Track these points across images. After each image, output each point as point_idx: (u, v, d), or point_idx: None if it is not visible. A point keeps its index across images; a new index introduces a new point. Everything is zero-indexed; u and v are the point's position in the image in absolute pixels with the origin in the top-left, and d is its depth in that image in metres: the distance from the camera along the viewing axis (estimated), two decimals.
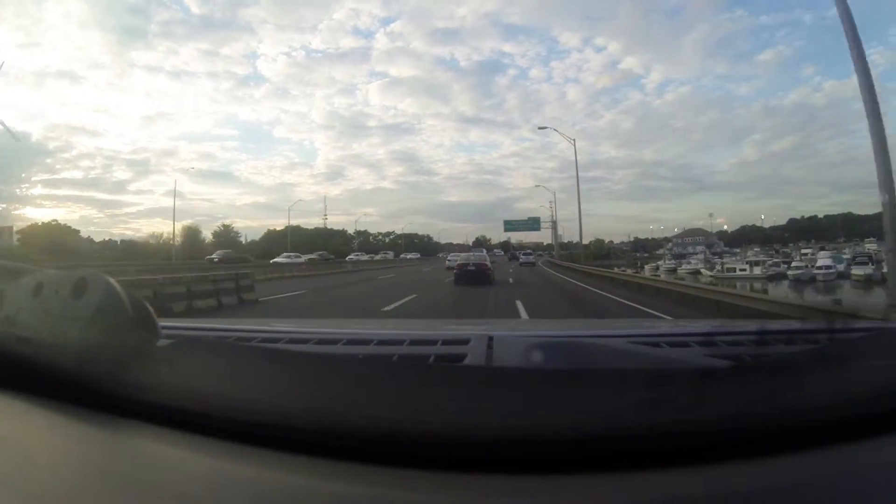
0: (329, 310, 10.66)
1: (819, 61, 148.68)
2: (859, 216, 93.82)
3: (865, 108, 7.64)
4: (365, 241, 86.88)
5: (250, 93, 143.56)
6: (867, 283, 34.84)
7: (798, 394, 0.52)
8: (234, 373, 0.59)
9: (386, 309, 10.00)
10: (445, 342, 1.04)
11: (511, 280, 20.20)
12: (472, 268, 16.93)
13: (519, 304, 10.73)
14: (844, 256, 47.59)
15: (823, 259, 45.44)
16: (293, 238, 59.22)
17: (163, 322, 0.71)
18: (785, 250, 72.58)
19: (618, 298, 12.82)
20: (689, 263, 56.28)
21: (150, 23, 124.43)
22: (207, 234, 68.42)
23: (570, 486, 0.45)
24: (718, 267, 49.52)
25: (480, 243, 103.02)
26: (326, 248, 58.18)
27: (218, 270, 14.52)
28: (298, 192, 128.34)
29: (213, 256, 36.10)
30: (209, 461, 0.50)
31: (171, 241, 47.19)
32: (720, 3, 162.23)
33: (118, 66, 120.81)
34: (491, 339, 0.97)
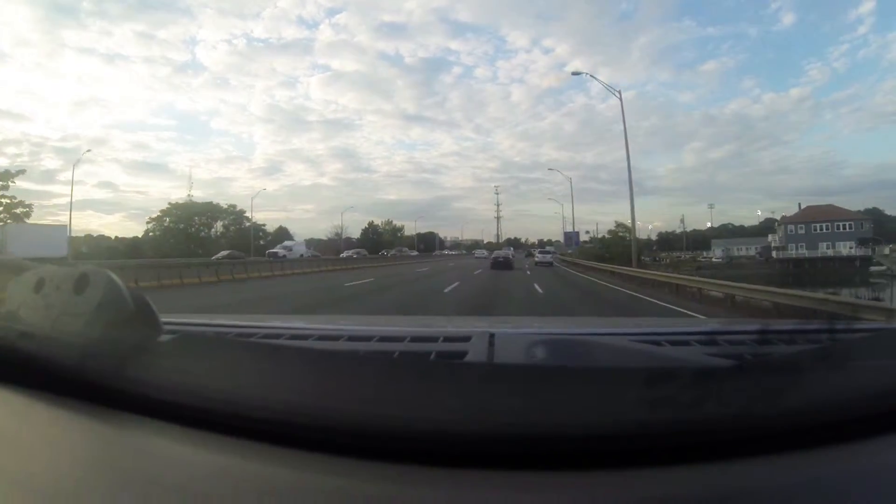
0: None
1: (759, 74, 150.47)
2: (889, 216, 76.21)
3: None
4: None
5: (188, 81, 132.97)
6: None
7: (799, 393, 0.52)
8: (235, 368, 0.59)
9: None
10: (447, 339, 1.04)
11: None
12: (501, 259, 28.84)
13: None
14: None
15: None
16: None
17: (164, 318, 0.71)
18: None
19: None
20: None
21: None
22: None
23: (570, 482, 0.45)
24: None
25: (370, 237, 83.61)
26: None
27: None
28: (235, 186, 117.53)
29: None
30: (211, 456, 0.50)
31: None
32: (670, 12, 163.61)
33: (47, 46, 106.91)
34: (492, 336, 0.97)
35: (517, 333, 1.19)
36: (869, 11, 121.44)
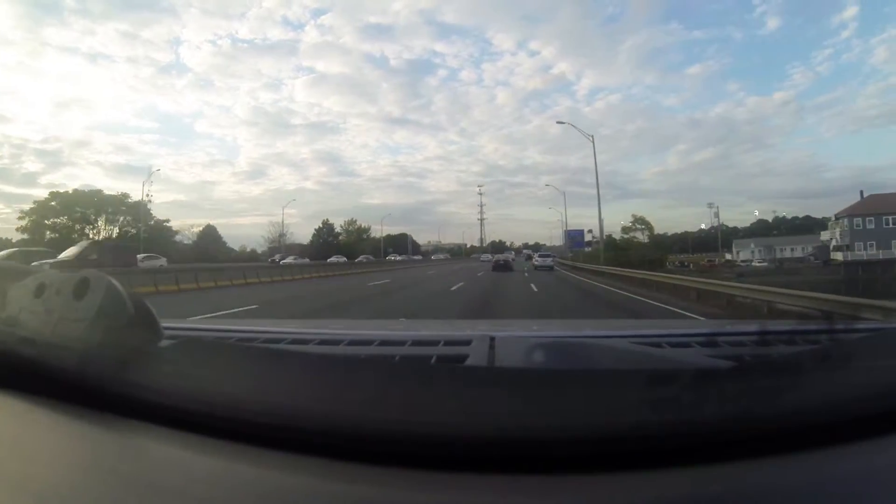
0: None
1: (744, 78, 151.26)
2: None
3: None
4: None
5: (172, 82, 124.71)
6: None
7: (799, 394, 0.52)
8: (236, 373, 0.60)
9: None
10: (447, 343, 1.04)
11: None
12: (502, 262, 32.58)
13: None
14: None
15: None
16: None
17: (165, 322, 0.71)
18: None
19: None
20: None
21: None
22: None
23: (571, 486, 0.45)
24: None
25: (324, 240, 73.17)
26: None
27: None
28: (219, 190, 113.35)
29: None
30: (211, 461, 0.50)
31: None
32: (656, 15, 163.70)
33: (29, 44, 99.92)
34: (493, 339, 0.98)
35: (518, 337, 1.19)
36: (852, 16, 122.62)
